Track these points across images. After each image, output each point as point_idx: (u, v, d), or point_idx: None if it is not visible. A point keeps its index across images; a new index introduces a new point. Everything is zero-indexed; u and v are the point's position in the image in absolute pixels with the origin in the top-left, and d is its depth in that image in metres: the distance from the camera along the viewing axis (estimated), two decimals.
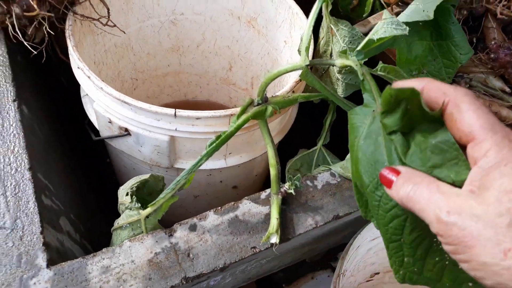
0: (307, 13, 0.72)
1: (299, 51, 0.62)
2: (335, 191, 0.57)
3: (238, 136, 0.65)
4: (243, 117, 0.51)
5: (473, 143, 0.32)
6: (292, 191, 0.52)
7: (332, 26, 0.62)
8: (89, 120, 0.75)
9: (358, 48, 0.47)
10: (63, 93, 0.88)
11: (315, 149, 0.76)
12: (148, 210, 0.50)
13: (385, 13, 0.48)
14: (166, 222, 0.56)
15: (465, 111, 0.32)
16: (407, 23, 0.48)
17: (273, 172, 0.56)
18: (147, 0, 0.83)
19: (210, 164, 0.69)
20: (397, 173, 0.34)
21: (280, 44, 0.84)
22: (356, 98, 0.61)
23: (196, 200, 0.81)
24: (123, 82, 0.92)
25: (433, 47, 0.57)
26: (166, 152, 0.64)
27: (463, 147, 0.33)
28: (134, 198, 0.52)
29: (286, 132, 0.76)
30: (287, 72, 0.53)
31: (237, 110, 0.61)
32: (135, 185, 0.56)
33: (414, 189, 0.32)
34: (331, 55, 0.64)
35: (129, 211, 0.51)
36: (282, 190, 0.53)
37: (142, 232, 0.51)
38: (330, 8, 0.61)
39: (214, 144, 0.47)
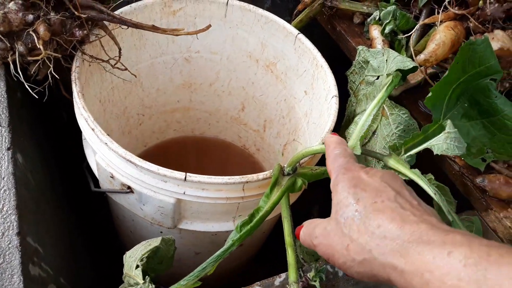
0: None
1: (347, 135, 0.59)
2: (357, 280, 0.51)
3: (252, 201, 0.59)
4: (277, 193, 0.46)
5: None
6: (316, 283, 0.46)
7: (386, 108, 0.58)
8: (87, 163, 0.70)
9: (412, 152, 0.42)
10: (61, 129, 0.82)
11: None
12: None
13: (449, 126, 0.43)
14: (164, 276, 0.52)
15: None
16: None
17: (290, 253, 0.49)
18: (162, 37, 0.78)
19: (217, 227, 0.63)
20: (301, 227, 0.43)
21: (300, 93, 0.79)
22: None
23: (198, 257, 0.75)
24: (129, 118, 0.87)
25: (487, 124, 0.55)
26: (171, 213, 0.59)
27: None
28: (148, 278, 0.45)
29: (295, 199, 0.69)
30: None
31: (253, 177, 0.55)
32: (145, 255, 0.49)
33: (304, 231, 0.41)
34: (374, 132, 0.60)
35: None
36: (303, 279, 0.47)
37: None
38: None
39: (249, 227, 0.42)
